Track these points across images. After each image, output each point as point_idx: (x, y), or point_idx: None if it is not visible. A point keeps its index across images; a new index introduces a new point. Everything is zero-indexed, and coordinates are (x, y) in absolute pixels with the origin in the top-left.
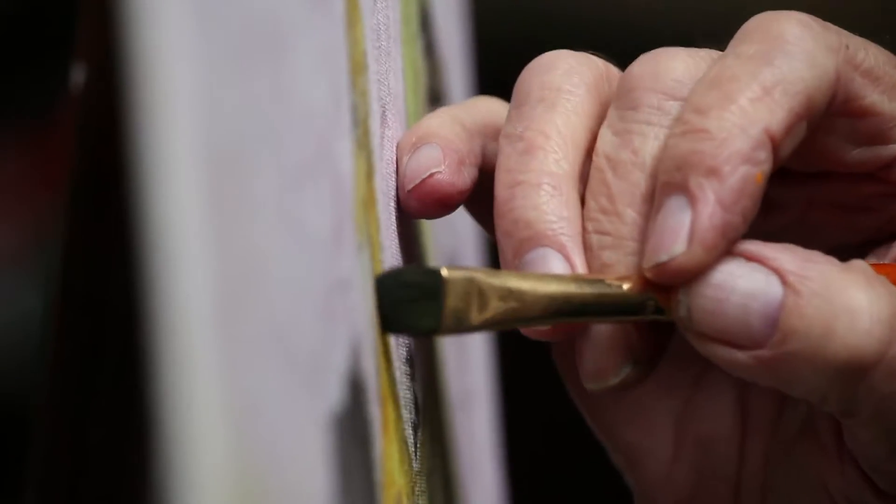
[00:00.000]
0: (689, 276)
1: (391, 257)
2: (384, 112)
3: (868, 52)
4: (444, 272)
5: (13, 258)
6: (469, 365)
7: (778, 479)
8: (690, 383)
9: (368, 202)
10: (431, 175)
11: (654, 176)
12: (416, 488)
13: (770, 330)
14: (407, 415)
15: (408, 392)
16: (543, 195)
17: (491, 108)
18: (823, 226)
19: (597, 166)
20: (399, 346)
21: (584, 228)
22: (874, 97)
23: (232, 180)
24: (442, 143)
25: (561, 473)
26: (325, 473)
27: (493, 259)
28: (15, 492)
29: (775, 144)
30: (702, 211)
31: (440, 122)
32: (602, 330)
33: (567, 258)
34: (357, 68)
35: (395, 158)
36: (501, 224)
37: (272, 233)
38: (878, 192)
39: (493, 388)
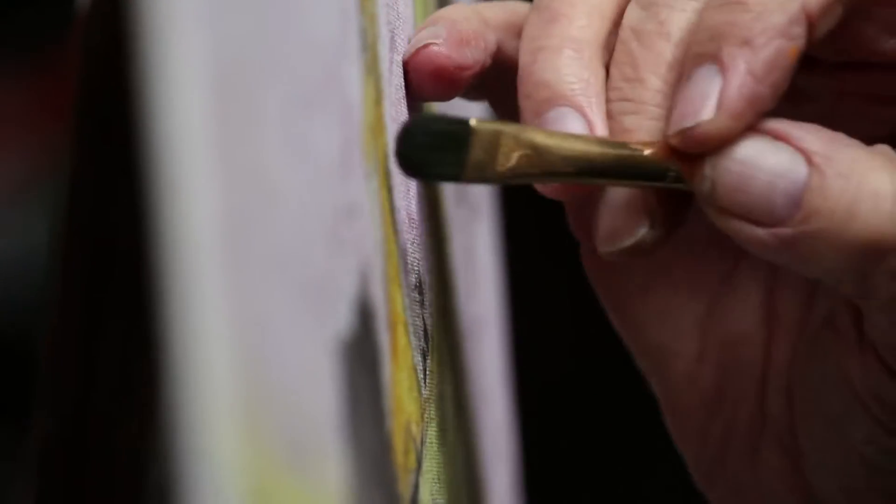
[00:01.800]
0: (713, 144)
1: (401, 183)
2: (393, 37)
3: None
4: (473, 122)
5: (20, 189)
6: (480, 292)
7: (803, 376)
8: (716, 284)
9: (377, 128)
10: (427, 45)
11: (680, 46)
12: (426, 415)
13: (793, 208)
14: (416, 341)
15: (417, 319)
16: (565, 58)
17: (517, 8)
18: (853, 116)
19: (622, 39)
20: (408, 272)
21: (607, 98)
22: None
23: (238, 105)
24: (447, 23)
25: (572, 397)
26: (333, 399)
27: (505, 199)
28: (23, 423)
29: (812, 22)
30: (732, 79)
31: (455, 8)
32: (619, 191)
33: (585, 117)
34: None
35: (402, 84)
36: (522, 88)
37: (279, 158)
38: None
39: (503, 314)
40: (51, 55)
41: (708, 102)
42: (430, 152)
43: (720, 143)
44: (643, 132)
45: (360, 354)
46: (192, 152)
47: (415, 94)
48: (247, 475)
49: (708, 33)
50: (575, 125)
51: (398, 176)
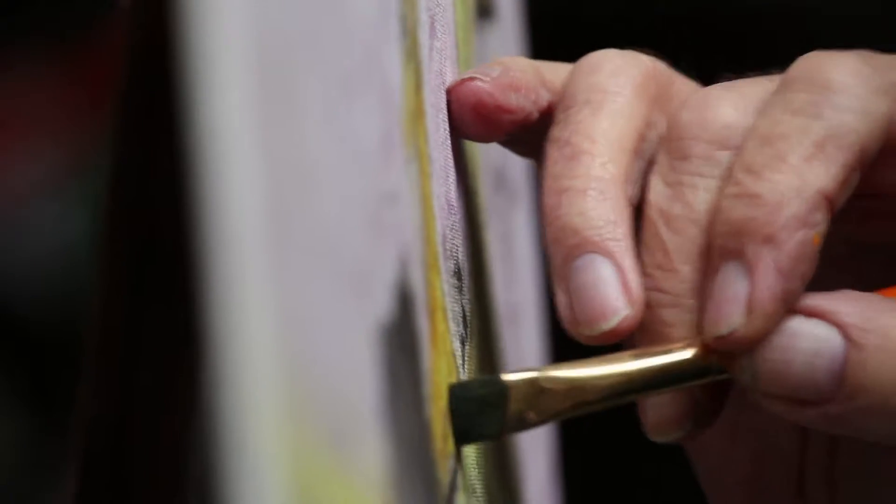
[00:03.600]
0: (750, 346)
1: (440, 169)
2: (433, 23)
3: None
4: (506, 379)
5: (63, 179)
6: (518, 279)
7: (846, 457)
8: None
9: (417, 114)
10: (472, 79)
11: (708, 230)
12: None
13: (837, 386)
14: (455, 328)
15: (455, 305)
16: (590, 201)
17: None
18: (877, 237)
19: (649, 219)
20: (447, 259)
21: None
22: None
23: (281, 91)
24: (501, 66)
25: None
26: (374, 384)
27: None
28: (68, 413)
29: (830, 203)
30: (760, 280)
31: (515, 58)
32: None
33: (615, 262)
34: None
35: (442, 70)
36: (549, 231)
37: (321, 143)
38: None
39: (541, 301)
40: (93, 44)
41: (738, 306)
42: (471, 419)
43: (757, 343)
44: (681, 327)
45: (400, 340)
46: (234, 139)
47: (455, 127)
48: (289, 462)
49: (729, 227)
50: (605, 271)
51: (437, 162)
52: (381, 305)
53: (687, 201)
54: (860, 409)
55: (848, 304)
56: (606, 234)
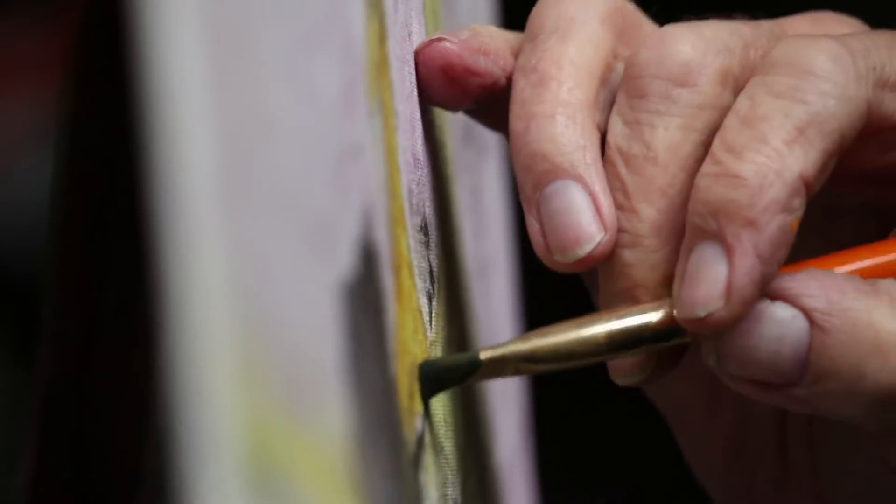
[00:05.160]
0: (725, 328)
1: (405, 122)
2: None
3: (894, 61)
4: (482, 354)
5: (41, 132)
6: (487, 231)
7: (828, 443)
8: None
9: (381, 66)
10: (440, 39)
11: (668, 169)
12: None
13: (801, 370)
14: (421, 284)
15: (422, 261)
16: (558, 126)
17: None
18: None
19: (609, 158)
20: (413, 214)
21: None
22: None
23: (236, 42)
24: (470, 31)
25: None
26: (335, 340)
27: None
28: (30, 355)
29: (809, 188)
30: (740, 264)
31: (484, 25)
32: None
33: (587, 188)
34: None
35: (408, 22)
36: (518, 158)
37: (279, 95)
38: None
39: (512, 254)
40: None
41: (716, 288)
42: (440, 380)
43: (731, 326)
44: (641, 267)
45: (363, 296)
46: (186, 91)
47: (423, 91)
48: (244, 418)
49: (707, 207)
50: (577, 197)
51: (403, 115)
52: (343, 260)
53: (645, 140)
54: (825, 392)
55: (812, 286)
56: (576, 160)
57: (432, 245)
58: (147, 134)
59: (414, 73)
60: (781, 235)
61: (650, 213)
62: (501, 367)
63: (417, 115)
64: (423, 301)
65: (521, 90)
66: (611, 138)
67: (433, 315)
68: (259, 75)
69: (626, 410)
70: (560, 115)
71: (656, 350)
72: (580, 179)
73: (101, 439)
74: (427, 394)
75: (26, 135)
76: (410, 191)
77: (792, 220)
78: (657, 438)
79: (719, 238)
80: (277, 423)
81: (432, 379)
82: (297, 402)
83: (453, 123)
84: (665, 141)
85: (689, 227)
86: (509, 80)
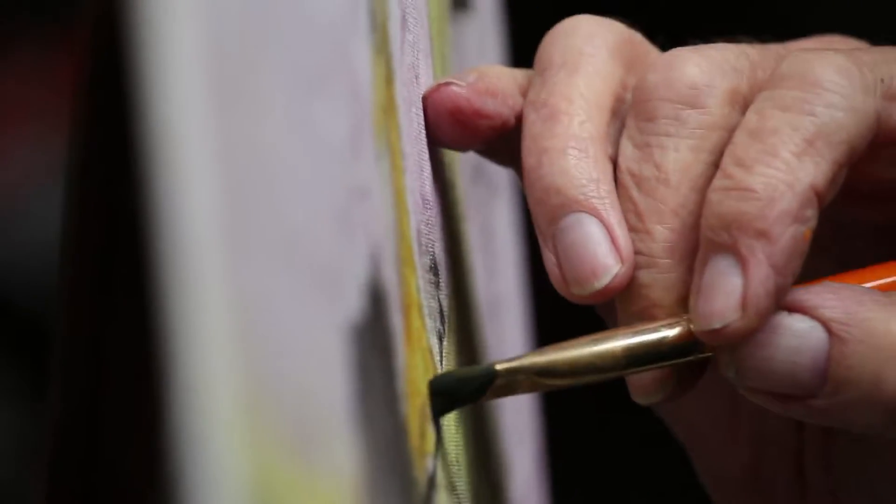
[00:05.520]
0: (741, 340)
1: (413, 163)
2: (404, 16)
3: None
4: (499, 366)
5: (60, 169)
6: (498, 270)
7: (841, 440)
8: None
9: (388, 108)
10: (448, 84)
11: (680, 189)
12: None
13: (820, 381)
14: (431, 324)
15: (432, 301)
16: (571, 159)
17: None
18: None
19: (621, 182)
20: (422, 254)
21: None
22: None
23: (238, 87)
24: (477, 72)
25: None
26: (343, 382)
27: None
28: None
29: (820, 199)
30: (754, 275)
31: (490, 65)
32: None
33: (602, 220)
34: None
35: (415, 64)
36: (532, 193)
37: (283, 140)
38: None
39: (524, 292)
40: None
41: (732, 300)
42: (452, 392)
43: (747, 338)
44: (657, 287)
45: (372, 338)
46: (189, 136)
47: (432, 134)
48: (248, 461)
49: (719, 220)
50: (593, 229)
51: (411, 157)
52: (351, 303)
53: (656, 162)
54: (844, 402)
55: (829, 298)
56: (590, 192)
57: (442, 285)
58: (150, 178)
59: (422, 114)
60: (794, 245)
61: (663, 233)
62: (516, 380)
63: (426, 155)
64: (434, 341)
65: (532, 125)
66: (622, 162)
67: (444, 355)
68: (262, 119)
69: (641, 440)
70: (572, 149)
71: (675, 367)
72: (594, 212)
73: (110, 482)
74: (438, 410)
75: (36, 171)
76: (419, 231)
77: (805, 230)
78: (672, 467)
79: (733, 250)
80: (284, 466)
81: (444, 393)
82: (304, 444)
83: (463, 162)
84: (676, 162)
85: (702, 242)
86: (519, 118)
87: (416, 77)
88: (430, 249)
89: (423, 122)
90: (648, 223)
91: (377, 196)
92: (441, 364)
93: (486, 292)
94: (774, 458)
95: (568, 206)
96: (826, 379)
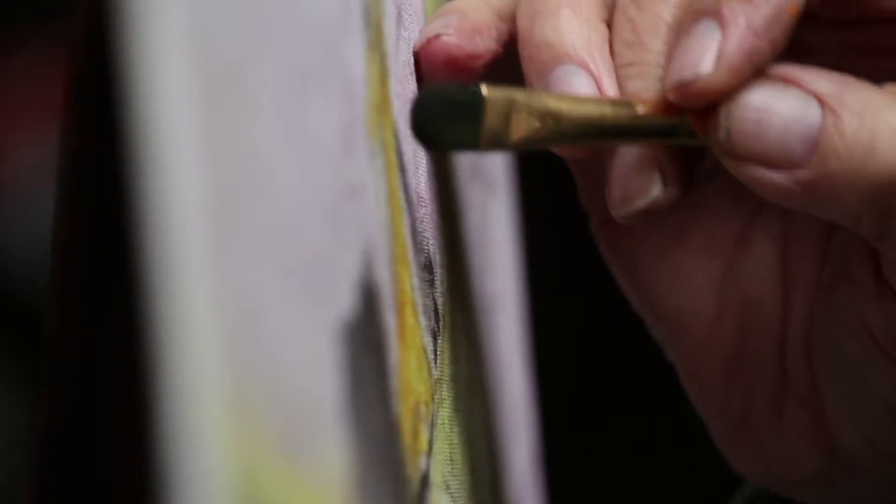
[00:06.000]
0: (710, 98)
1: (409, 161)
2: (400, 13)
3: None
4: (485, 91)
5: (44, 173)
6: (494, 268)
7: (822, 330)
8: (732, 244)
9: (383, 106)
10: (438, 36)
11: (679, 6)
12: (436, 396)
13: (810, 151)
14: (425, 322)
15: (426, 299)
16: (563, 18)
17: None
18: (856, 69)
19: (619, 5)
20: (417, 252)
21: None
22: None
23: (227, 84)
24: (458, 14)
25: (592, 373)
26: (333, 381)
27: (522, 166)
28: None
29: None
30: (732, 33)
31: (472, 2)
32: (630, 153)
33: (590, 73)
34: None
35: (411, 61)
36: (524, 51)
37: (273, 137)
38: None
39: (520, 290)
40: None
41: (707, 55)
42: (444, 122)
43: (717, 97)
44: (650, 94)
45: (364, 336)
46: (177, 133)
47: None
48: (235, 460)
49: None
50: (581, 82)
51: (406, 154)
52: (342, 300)
53: None
54: (830, 174)
55: (824, 76)
56: (581, 47)
57: (437, 283)
58: (138, 175)
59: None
60: (777, 15)
61: (657, 45)
62: (507, 114)
63: (421, 152)
64: (428, 339)
65: None
66: None
67: (438, 353)
68: (252, 118)
69: (640, 444)
70: (565, 9)
71: (658, 166)
72: (584, 65)
73: (99, 483)
74: (419, 131)
75: (38, 170)
76: (414, 229)
77: (791, 4)
78: (669, 464)
79: (715, 13)
80: (273, 466)
81: (427, 115)
82: (293, 444)
83: (459, 160)
84: None
85: (687, 14)
86: (504, 46)
87: (412, 73)
88: (425, 247)
89: None
90: (643, 36)
91: (370, 194)
92: (435, 362)
93: (481, 290)
94: (757, 349)
95: (557, 59)
96: (816, 148)
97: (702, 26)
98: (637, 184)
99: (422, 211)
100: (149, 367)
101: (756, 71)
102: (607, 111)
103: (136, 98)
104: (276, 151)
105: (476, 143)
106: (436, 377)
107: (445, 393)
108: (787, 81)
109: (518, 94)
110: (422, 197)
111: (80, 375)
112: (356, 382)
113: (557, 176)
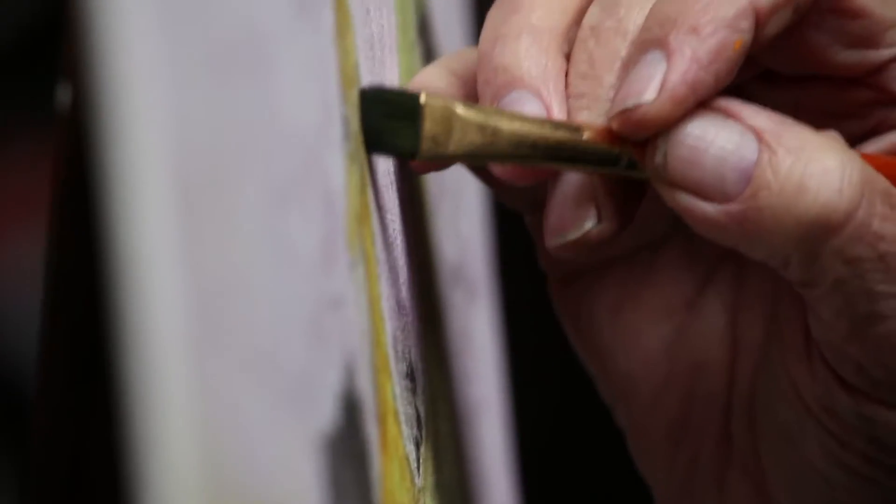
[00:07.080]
0: (652, 128)
1: (388, 270)
2: None
3: None
4: (423, 97)
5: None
6: (478, 374)
7: (760, 393)
8: (684, 307)
9: (362, 216)
10: None
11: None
12: None
13: (743, 185)
14: (408, 430)
15: (409, 407)
16: (523, 45)
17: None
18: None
19: (580, 37)
20: (398, 361)
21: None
22: None
23: (208, 197)
24: (418, 85)
25: (575, 478)
26: (316, 495)
27: (503, 262)
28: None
29: (759, 19)
30: (676, 64)
31: (431, 73)
32: (569, 183)
33: (542, 100)
34: (348, 81)
35: (391, 170)
36: (481, 74)
37: (253, 251)
38: (865, 99)
39: (504, 396)
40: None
41: (651, 85)
42: (385, 121)
43: (659, 127)
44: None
45: (346, 449)
46: (157, 249)
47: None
48: None
49: (657, 21)
50: (532, 107)
51: (385, 263)
52: (324, 413)
53: (619, 17)
54: (760, 209)
55: (764, 113)
56: (536, 74)
57: (419, 391)
58: (118, 292)
59: (397, 220)
60: (722, 49)
61: (610, 79)
62: (447, 123)
63: (402, 261)
64: (411, 448)
65: (493, 17)
66: (584, 22)
67: (421, 461)
68: (230, 230)
69: (615, 479)
70: (526, 36)
71: (594, 198)
72: (537, 92)
73: None
74: (364, 128)
75: (23, 268)
76: (395, 338)
77: (736, 39)
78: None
79: (662, 44)
80: None
81: (370, 112)
82: None
83: (441, 266)
84: (639, 18)
85: (636, 46)
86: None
87: (392, 182)
88: (407, 355)
89: (398, 228)
90: (598, 70)
91: (351, 305)
92: (418, 471)
93: (465, 397)
94: (702, 418)
95: (512, 84)
96: (749, 182)
97: (649, 56)
98: (572, 214)
99: (404, 319)
100: (130, 484)
101: (698, 102)
102: (549, 132)
103: (116, 213)
104: (256, 265)
105: (416, 148)
106: (419, 486)
107: (429, 501)
108: (728, 114)
109: (459, 105)
110: (403, 305)
111: (62, 490)
112: (339, 496)
113: (538, 279)
